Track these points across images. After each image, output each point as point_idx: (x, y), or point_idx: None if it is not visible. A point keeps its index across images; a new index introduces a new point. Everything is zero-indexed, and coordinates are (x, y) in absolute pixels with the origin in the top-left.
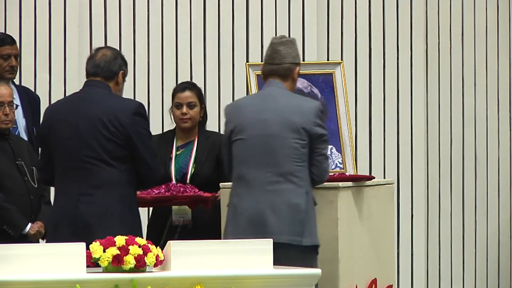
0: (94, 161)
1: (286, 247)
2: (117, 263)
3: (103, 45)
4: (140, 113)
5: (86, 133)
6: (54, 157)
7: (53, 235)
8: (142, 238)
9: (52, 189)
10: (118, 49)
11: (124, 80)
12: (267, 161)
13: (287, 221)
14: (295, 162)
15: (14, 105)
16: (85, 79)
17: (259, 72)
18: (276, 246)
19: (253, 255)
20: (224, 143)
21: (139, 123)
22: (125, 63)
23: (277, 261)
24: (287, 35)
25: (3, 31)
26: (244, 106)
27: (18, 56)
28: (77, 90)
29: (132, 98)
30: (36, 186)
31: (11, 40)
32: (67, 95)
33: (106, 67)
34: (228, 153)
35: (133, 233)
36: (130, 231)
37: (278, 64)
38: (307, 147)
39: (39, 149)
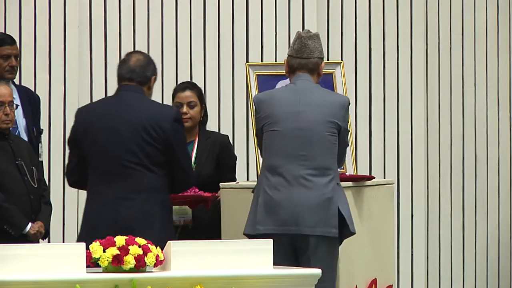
0: (135, 166)
1: (316, 238)
2: (117, 263)
3: (103, 45)
4: (179, 119)
5: (127, 138)
6: (89, 161)
7: (90, 238)
8: None
9: (53, 189)
10: (118, 49)
11: (152, 85)
12: (302, 154)
13: (321, 213)
14: (330, 155)
15: (14, 105)
16: (118, 83)
17: (259, 72)
18: (306, 237)
19: (253, 255)
20: (257, 133)
21: (179, 130)
22: (155, 68)
23: (305, 251)
24: (287, 35)
25: (3, 31)
26: (278, 97)
27: (18, 56)
28: (110, 94)
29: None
30: (36, 186)
31: (11, 40)
32: (67, 95)
33: (141, 72)
34: (260, 143)
35: (172, 238)
36: (170, 237)
37: (307, 58)
38: (337, 139)
39: (39, 148)
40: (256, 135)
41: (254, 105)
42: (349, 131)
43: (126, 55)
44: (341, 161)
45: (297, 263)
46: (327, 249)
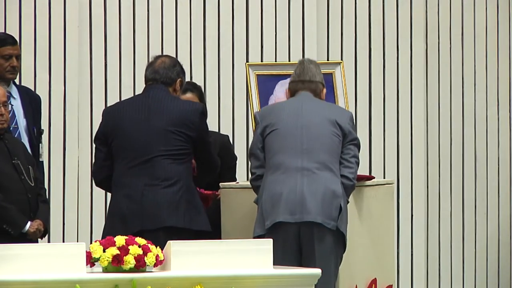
0: (163, 157)
1: (320, 228)
2: (117, 263)
3: (103, 45)
4: (205, 113)
5: (156, 131)
6: (117, 155)
7: (119, 228)
8: None
9: (53, 189)
10: (118, 49)
11: (181, 88)
12: (305, 148)
13: (325, 204)
14: (332, 153)
15: (9, 105)
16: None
17: (259, 72)
18: (310, 225)
19: (253, 255)
20: (255, 144)
21: (205, 122)
22: (183, 72)
23: (310, 239)
24: (287, 35)
25: (3, 31)
26: (279, 108)
27: (19, 57)
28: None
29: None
30: (33, 184)
31: (12, 41)
32: (67, 95)
33: (165, 74)
34: (258, 153)
35: (203, 218)
36: (200, 217)
37: (310, 81)
38: (341, 143)
39: (40, 148)
40: (250, 153)
41: (255, 119)
42: (358, 143)
43: (153, 58)
44: (355, 175)
45: (300, 256)
46: (331, 244)
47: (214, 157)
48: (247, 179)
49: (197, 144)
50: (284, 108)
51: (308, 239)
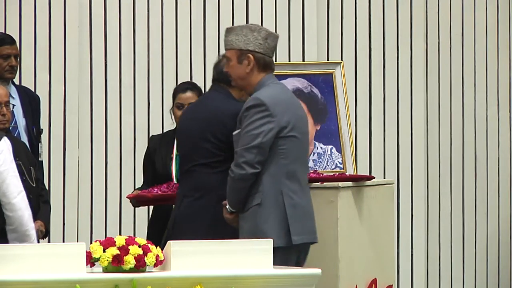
0: (199, 165)
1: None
2: (117, 263)
3: (103, 45)
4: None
5: (196, 137)
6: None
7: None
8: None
9: (53, 189)
10: (118, 49)
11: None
12: (307, 159)
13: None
14: None
15: (11, 105)
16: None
17: None
18: (309, 247)
19: (253, 255)
20: (269, 139)
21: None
22: None
23: (304, 263)
24: (287, 35)
25: (3, 31)
26: (286, 102)
27: (18, 56)
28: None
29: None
30: (34, 185)
31: (11, 40)
32: (67, 95)
33: (222, 73)
34: (266, 151)
35: (221, 235)
36: (218, 234)
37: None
38: None
39: (39, 148)
40: (258, 146)
41: (266, 109)
42: None
43: (221, 56)
44: None
45: None
46: None
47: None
48: None
49: (230, 149)
50: (292, 109)
51: (302, 260)
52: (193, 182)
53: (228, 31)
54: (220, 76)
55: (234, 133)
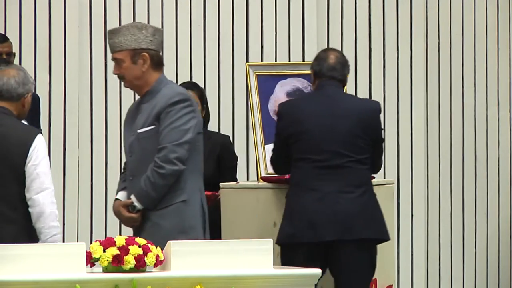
0: (351, 160)
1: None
2: (117, 263)
3: (103, 45)
4: (381, 111)
5: (343, 133)
6: (301, 156)
7: (313, 234)
8: None
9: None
10: None
11: None
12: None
13: None
14: None
15: None
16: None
17: (259, 72)
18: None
19: (253, 255)
20: (194, 132)
21: (380, 122)
22: (349, 66)
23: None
24: (287, 35)
25: (3, 31)
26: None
27: (11, 54)
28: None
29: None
30: None
31: (2, 39)
32: (67, 95)
33: (341, 70)
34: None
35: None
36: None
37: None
38: None
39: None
40: (193, 138)
41: (189, 100)
42: None
43: (322, 52)
44: None
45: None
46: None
47: (381, 160)
48: (247, 179)
49: (375, 145)
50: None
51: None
52: (351, 178)
53: (113, 32)
54: (335, 74)
55: (148, 128)
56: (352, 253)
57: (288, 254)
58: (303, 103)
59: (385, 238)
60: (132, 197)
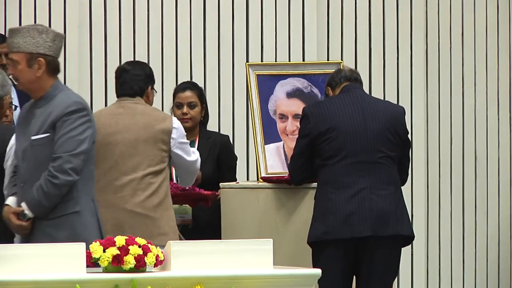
0: (383, 159)
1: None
2: (117, 263)
3: (103, 45)
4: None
5: (376, 133)
6: (332, 155)
7: (349, 230)
8: None
9: None
10: (118, 49)
11: None
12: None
13: None
14: None
15: (13, 106)
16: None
17: (259, 72)
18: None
19: (253, 255)
20: (90, 142)
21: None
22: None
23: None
24: (287, 35)
25: (3, 31)
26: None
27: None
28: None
29: None
30: None
31: (1, 39)
32: None
33: (359, 75)
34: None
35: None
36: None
37: None
38: None
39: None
40: (89, 148)
41: (85, 109)
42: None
43: (334, 71)
44: None
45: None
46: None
47: (408, 161)
48: (247, 179)
49: (402, 146)
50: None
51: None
52: (383, 175)
53: (14, 32)
54: (358, 76)
55: (42, 136)
56: (385, 248)
57: (319, 252)
58: (331, 103)
59: (413, 236)
60: (23, 205)
